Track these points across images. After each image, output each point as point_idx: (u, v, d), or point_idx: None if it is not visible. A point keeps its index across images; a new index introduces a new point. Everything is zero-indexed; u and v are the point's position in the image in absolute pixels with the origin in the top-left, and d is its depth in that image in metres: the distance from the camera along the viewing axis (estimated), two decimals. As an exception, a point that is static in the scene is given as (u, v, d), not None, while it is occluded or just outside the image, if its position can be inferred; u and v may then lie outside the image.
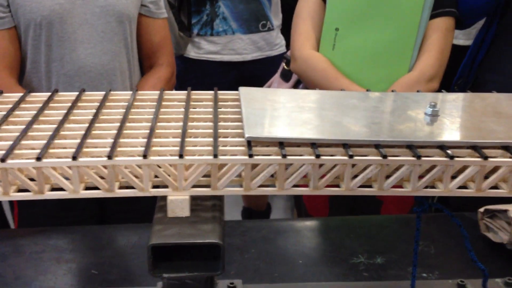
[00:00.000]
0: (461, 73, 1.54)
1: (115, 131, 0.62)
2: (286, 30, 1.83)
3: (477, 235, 1.05)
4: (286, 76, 1.47)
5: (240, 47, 1.79)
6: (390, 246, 1.02)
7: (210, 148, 0.60)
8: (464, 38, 1.76)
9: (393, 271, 0.96)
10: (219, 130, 0.64)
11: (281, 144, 0.62)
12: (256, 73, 1.76)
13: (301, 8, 1.40)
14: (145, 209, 0.90)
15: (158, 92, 0.72)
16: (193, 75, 1.78)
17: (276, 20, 1.84)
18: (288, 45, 1.67)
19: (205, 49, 1.79)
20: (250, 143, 0.61)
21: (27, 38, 1.23)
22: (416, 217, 0.74)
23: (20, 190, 0.60)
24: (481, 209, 1.06)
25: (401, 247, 1.02)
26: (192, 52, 1.80)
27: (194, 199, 0.61)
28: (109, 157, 0.57)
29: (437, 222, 1.12)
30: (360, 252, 1.00)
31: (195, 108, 0.70)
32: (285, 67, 1.49)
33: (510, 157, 0.63)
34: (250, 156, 0.59)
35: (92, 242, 1.04)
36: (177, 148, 0.59)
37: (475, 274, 0.86)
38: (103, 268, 0.96)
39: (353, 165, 0.62)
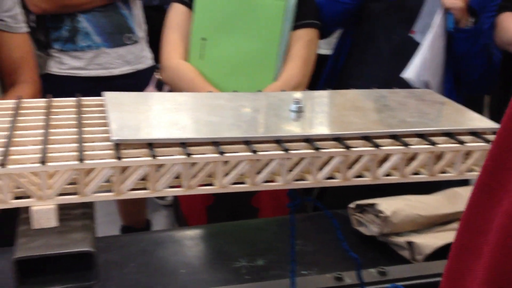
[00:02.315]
0: (324, 81, 1.62)
1: (-34, 142, 0.57)
2: (152, 43, 1.83)
3: (350, 230, 1.10)
4: (160, 86, 1.47)
5: (106, 62, 1.73)
6: (269, 248, 1.04)
7: (75, 153, 0.57)
8: (326, 48, 1.85)
9: (274, 271, 0.97)
10: (85, 136, 0.62)
11: (150, 145, 0.61)
12: (126, 88, 1.71)
13: (170, 18, 1.42)
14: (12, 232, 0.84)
15: (14, 101, 0.68)
16: (58, 92, 1.69)
17: (140, 31, 1.81)
18: (156, 57, 1.67)
19: (68, 64, 1.72)
20: (118, 146, 0.59)
21: None
22: (290, 212, 0.76)
23: None
24: (352, 205, 1.11)
25: (280, 247, 1.04)
26: (54, 68, 1.72)
27: (62, 208, 0.58)
28: (-39, 168, 0.52)
29: (313, 221, 1.15)
30: (241, 256, 1.00)
31: (57, 115, 0.66)
32: (158, 77, 1.48)
33: (371, 146, 0.66)
34: (119, 158, 0.57)
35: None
36: (38, 155, 0.56)
37: (351, 267, 0.90)
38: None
39: (225, 163, 0.63)
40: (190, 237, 1.09)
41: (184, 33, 1.39)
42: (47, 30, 1.70)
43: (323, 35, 1.52)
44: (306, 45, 1.41)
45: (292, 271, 0.81)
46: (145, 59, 1.84)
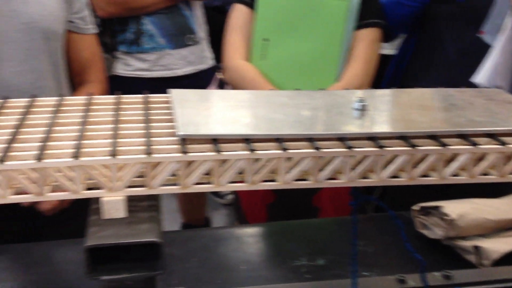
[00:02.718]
0: (387, 82, 1.60)
1: (42, 135, 0.60)
2: (214, 44, 1.85)
3: (413, 233, 1.08)
4: (222, 86, 1.49)
5: (170, 63, 1.77)
6: (330, 247, 1.03)
7: (143, 147, 0.59)
8: (388, 47, 1.82)
9: (334, 271, 0.96)
10: (152, 131, 0.63)
11: (215, 141, 0.62)
12: (188, 88, 1.74)
13: (232, 19, 1.43)
14: (79, 224, 0.87)
15: (85, 97, 0.70)
16: (124, 93, 1.75)
17: (201, 32, 1.84)
18: (218, 57, 1.69)
19: (134, 65, 1.77)
20: (184, 141, 0.61)
21: None
22: (352, 211, 0.75)
23: None
24: (415, 207, 1.09)
25: (341, 247, 1.03)
26: (120, 70, 1.77)
27: (130, 200, 0.60)
28: (38, 159, 0.55)
29: (374, 222, 1.14)
30: (301, 254, 1.00)
31: (125, 111, 0.69)
32: (220, 76, 1.50)
33: (438, 146, 0.65)
34: (184, 153, 0.59)
35: (25, 260, 0.99)
36: (109, 148, 0.58)
37: (414, 269, 0.88)
38: (40, 285, 0.92)
39: (288, 159, 0.63)
40: (251, 235, 1.09)
41: (246, 34, 1.40)
42: (113, 32, 1.75)
43: (388, 38, 1.50)
44: (369, 45, 1.40)
45: (354, 271, 0.80)
46: (206, 59, 1.86)
